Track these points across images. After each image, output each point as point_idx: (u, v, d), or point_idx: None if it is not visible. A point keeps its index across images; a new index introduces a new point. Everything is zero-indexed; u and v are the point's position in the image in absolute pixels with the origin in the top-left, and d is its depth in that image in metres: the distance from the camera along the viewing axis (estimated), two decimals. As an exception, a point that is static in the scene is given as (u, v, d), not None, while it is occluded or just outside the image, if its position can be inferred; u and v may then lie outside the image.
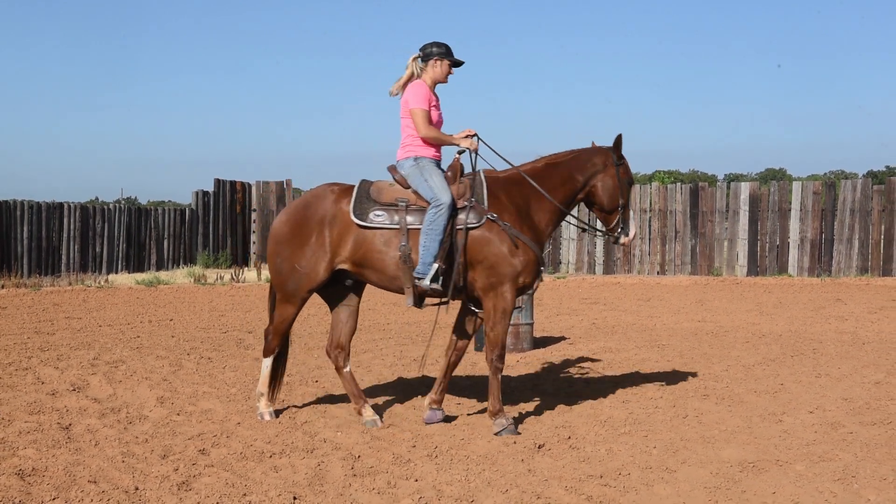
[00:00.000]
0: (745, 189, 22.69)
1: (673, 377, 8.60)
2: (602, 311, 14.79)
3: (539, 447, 6.09)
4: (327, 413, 7.11)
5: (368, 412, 6.76)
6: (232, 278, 20.12)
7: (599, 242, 23.80)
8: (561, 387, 8.20)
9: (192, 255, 24.58)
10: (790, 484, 5.26)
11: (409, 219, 6.54)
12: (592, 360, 9.52)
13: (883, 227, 21.44)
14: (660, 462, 5.71)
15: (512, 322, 10.08)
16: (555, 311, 14.71)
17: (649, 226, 23.55)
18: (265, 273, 21.09)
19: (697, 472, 5.49)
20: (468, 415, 7.08)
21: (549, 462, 5.74)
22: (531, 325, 10.41)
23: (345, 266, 6.63)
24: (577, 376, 8.71)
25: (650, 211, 23.45)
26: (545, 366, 9.28)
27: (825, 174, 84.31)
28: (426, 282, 6.44)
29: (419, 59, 6.81)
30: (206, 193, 24.92)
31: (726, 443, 6.20)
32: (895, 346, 10.48)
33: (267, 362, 6.91)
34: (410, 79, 6.81)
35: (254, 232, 25.77)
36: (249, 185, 25.85)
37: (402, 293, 6.62)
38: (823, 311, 14.19)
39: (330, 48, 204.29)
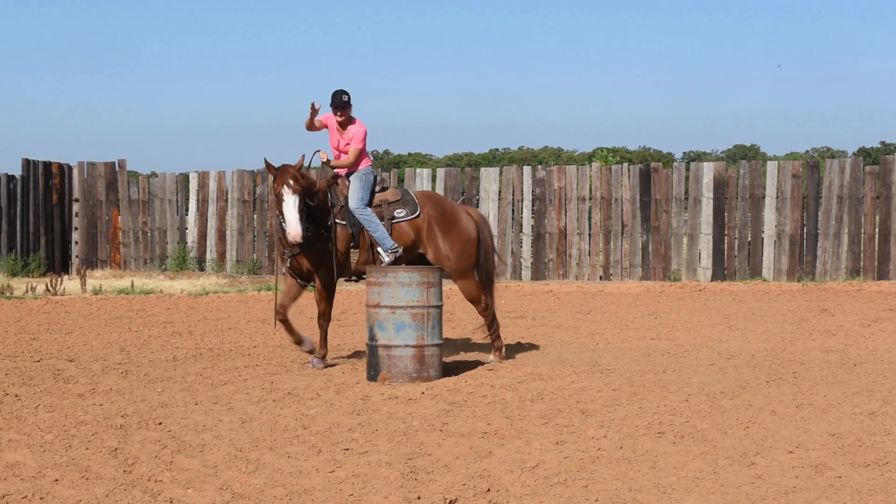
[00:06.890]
0: (708, 171, 22.93)
1: (620, 411, 8.70)
2: (530, 327, 14.90)
3: (450, 503, 6.10)
4: (174, 465, 7.01)
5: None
6: (47, 289, 19.71)
7: (526, 240, 23.72)
8: (477, 426, 8.24)
9: (-8, 259, 24.04)
10: (765, 543, 5.39)
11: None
12: (518, 390, 9.57)
13: (878, 218, 21.69)
14: (603, 519, 5.78)
15: (415, 343, 10.15)
16: (469, 328, 14.75)
17: (589, 218, 23.43)
18: (93, 282, 20.71)
19: (650, 531, 5.58)
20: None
21: (462, 522, 5.77)
22: (440, 346, 10.43)
23: None
24: (498, 411, 8.75)
25: (589, 199, 23.42)
26: (458, 398, 9.31)
27: (807, 152, 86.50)
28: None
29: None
30: (11, 178, 24.34)
31: (686, 492, 6.31)
32: (893, 367, 10.79)
33: None
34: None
35: (76, 229, 25.27)
36: (70, 168, 25.35)
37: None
38: (806, 324, 14.54)
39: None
